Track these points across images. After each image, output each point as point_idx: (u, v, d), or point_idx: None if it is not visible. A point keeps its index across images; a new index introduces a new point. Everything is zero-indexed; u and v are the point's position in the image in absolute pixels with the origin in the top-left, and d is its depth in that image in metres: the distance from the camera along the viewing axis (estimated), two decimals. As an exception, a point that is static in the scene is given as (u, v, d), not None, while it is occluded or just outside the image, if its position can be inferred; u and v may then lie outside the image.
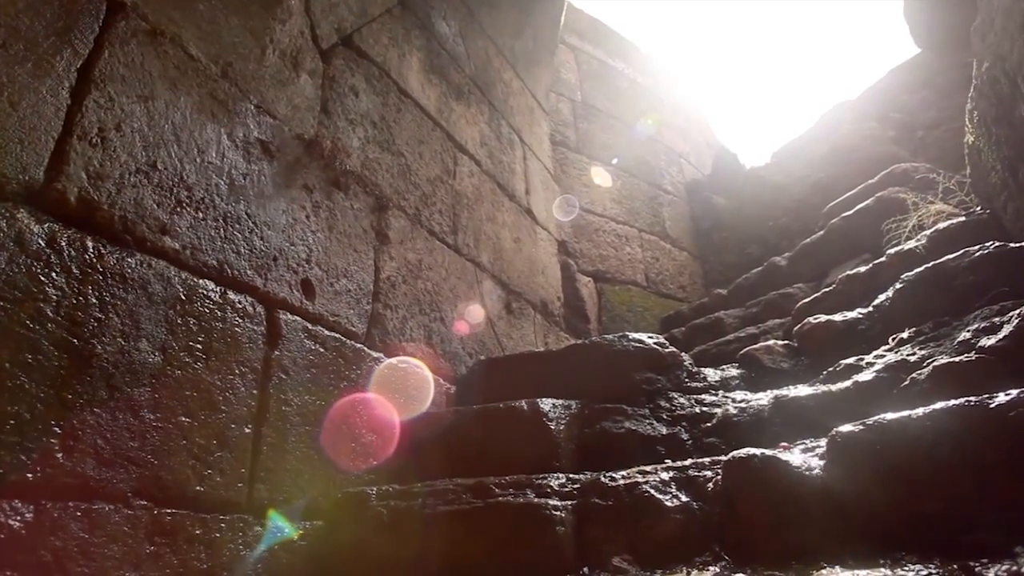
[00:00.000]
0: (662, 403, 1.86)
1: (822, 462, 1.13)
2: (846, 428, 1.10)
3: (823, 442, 1.24)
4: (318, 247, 1.85)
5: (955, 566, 0.78)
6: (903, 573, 0.78)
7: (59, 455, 1.11)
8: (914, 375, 1.36)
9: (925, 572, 0.76)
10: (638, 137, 5.00)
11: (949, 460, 0.96)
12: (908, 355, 1.49)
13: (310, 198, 1.87)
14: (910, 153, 4.10)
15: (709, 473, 1.35)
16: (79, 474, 1.13)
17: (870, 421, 1.08)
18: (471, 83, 3.15)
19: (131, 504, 1.20)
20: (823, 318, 2.01)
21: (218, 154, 1.59)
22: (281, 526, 1.50)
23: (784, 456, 1.17)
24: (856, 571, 0.82)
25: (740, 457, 1.19)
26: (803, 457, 1.17)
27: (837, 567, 0.89)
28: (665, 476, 1.36)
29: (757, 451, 1.18)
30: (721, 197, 5.06)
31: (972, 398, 1.01)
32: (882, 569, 0.82)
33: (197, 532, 1.31)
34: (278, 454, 1.54)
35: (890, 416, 1.07)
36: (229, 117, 1.65)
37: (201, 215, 1.50)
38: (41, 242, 1.15)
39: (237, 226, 1.59)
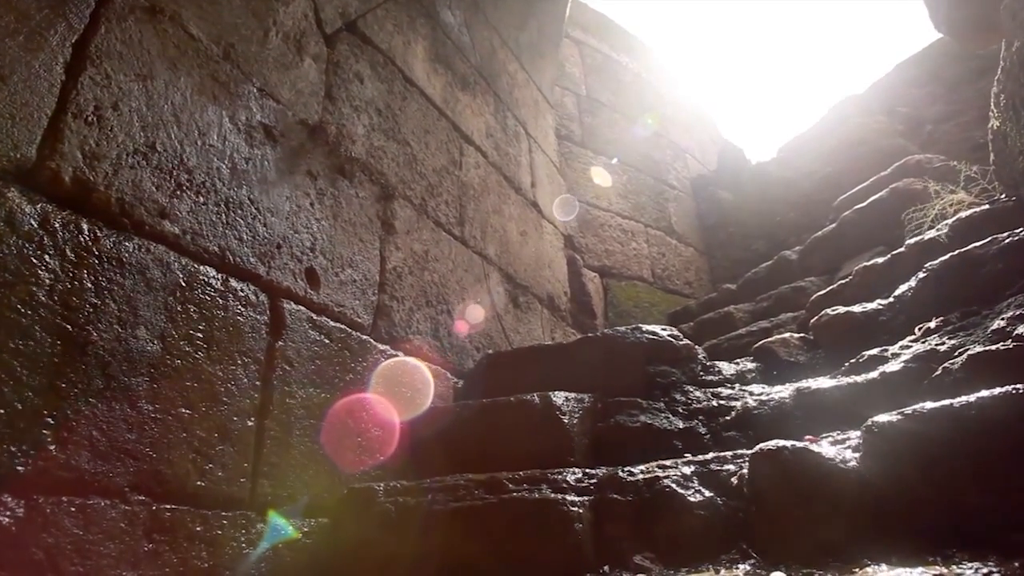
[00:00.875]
0: (677, 396, 1.80)
1: (856, 454, 1.07)
2: (883, 418, 1.05)
3: (854, 434, 1.19)
4: (323, 235, 1.79)
5: (1016, 564, 0.72)
6: (960, 571, 0.72)
7: (52, 447, 1.05)
8: (946, 364, 1.31)
9: (985, 571, 0.70)
10: (643, 132, 4.94)
11: (998, 450, 0.90)
12: (937, 344, 1.43)
13: (314, 185, 1.81)
14: (918, 147, 4.04)
15: (732, 467, 1.29)
16: (73, 467, 1.07)
17: (909, 410, 1.03)
18: (476, 74, 3.09)
19: (128, 499, 1.14)
20: (842, 310, 1.95)
21: (219, 137, 1.53)
22: (285, 523, 1.44)
23: (816, 448, 1.11)
24: (909, 569, 0.76)
25: (769, 449, 1.13)
26: (835, 449, 1.11)
27: (883, 564, 0.83)
28: (687, 470, 1.30)
29: (787, 443, 1.12)
30: (727, 193, 5.01)
31: (1019, 385, 0.95)
32: (935, 567, 0.76)
33: (198, 529, 1.25)
34: (282, 449, 1.48)
35: (931, 404, 1.01)
36: (231, 100, 1.59)
37: (202, 199, 1.44)
38: (33, 223, 1.09)
39: (239, 212, 1.53)
